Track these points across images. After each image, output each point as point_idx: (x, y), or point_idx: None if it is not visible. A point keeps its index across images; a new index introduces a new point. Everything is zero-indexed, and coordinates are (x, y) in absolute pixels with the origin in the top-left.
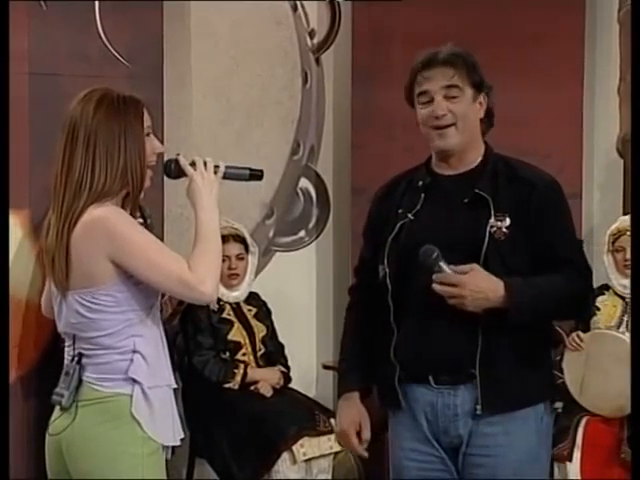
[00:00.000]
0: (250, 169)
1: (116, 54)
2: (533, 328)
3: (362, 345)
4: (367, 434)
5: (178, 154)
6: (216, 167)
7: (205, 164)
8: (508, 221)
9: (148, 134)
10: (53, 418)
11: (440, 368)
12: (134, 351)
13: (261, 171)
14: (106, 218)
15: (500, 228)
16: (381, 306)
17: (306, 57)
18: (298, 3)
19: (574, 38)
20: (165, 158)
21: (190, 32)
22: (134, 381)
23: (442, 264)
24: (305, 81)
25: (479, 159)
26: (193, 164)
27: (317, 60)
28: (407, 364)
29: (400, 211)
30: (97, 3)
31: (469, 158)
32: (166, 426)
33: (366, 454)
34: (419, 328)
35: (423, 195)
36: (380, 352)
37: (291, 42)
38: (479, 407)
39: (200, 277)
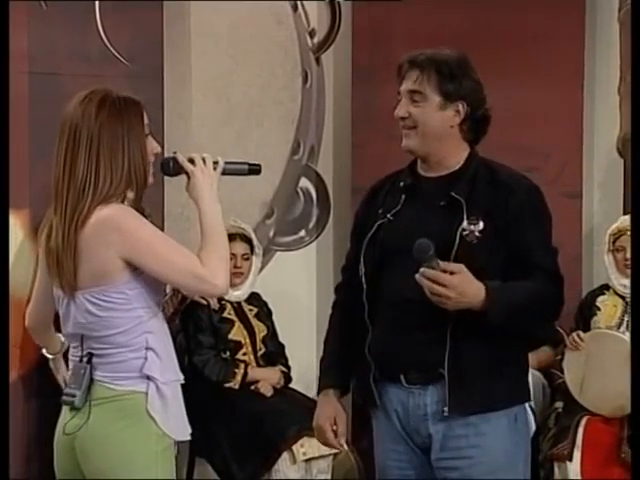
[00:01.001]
0: (248, 164)
1: (116, 54)
2: (505, 331)
3: (342, 343)
4: (342, 429)
5: (175, 152)
6: (215, 163)
7: (204, 160)
8: (482, 225)
9: (147, 134)
10: (65, 419)
11: (411, 367)
12: (147, 348)
13: (259, 165)
14: (115, 217)
15: (473, 232)
16: (359, 305)
17: (306, 57)
18: (298, 3)
19: (574, 38)
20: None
21: (190, 32)
22: (148, 378)
23: (435, 261)
24: (305, 81)
25: (460, 163)
26: (191, 161)
27: (317, 60)
28: (380, 362)
29: (380, 211)
30: (97, 3)
31: (449, 162)
32: (178, 422)
33: (346, 446)
34: (391, 327)
35: (404, 196)
36: (357, 350)
37: (291, 42)
38: (446, 409)
39: (212, 271)
